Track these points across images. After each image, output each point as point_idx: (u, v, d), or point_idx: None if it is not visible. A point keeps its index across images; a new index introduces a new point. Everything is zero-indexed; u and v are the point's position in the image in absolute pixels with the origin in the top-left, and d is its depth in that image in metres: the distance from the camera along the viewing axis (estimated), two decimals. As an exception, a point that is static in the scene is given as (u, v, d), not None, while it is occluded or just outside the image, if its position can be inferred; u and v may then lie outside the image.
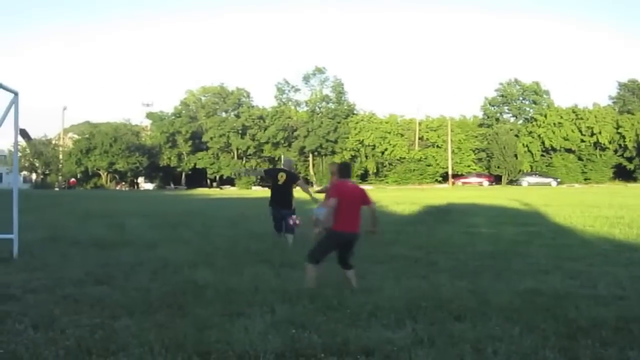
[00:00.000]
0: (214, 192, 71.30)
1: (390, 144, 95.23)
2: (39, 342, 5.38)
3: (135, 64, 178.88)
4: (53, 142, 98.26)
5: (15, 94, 9.87)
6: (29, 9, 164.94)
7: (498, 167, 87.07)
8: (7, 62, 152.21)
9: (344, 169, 8.69)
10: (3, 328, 5.77)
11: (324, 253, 8.01)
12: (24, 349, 5.13)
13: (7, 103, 10.02)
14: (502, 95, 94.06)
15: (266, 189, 14.62)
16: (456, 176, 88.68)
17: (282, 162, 13.97)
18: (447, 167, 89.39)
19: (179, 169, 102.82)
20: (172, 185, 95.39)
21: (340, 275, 8.09)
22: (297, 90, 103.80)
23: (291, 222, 12.20)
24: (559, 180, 79.07)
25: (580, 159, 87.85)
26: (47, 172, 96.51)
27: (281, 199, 12.64)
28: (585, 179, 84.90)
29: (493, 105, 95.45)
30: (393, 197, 38.68)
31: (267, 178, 12.95)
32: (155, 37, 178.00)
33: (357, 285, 7.90)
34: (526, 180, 77.83)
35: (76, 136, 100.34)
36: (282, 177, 12.74)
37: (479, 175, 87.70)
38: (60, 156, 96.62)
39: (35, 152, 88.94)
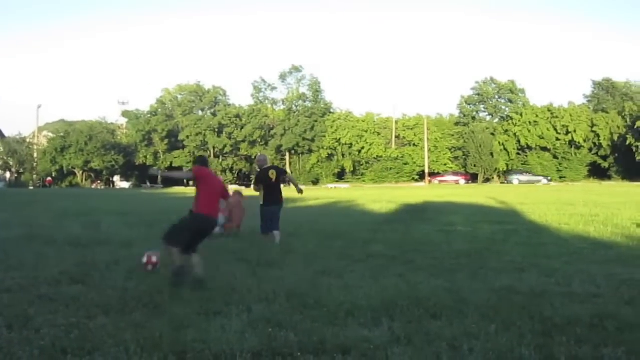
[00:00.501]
0: (191, 190, 70.64)
1: (367, 143, 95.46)
2: (14, 341, 5.35)
3: (112, 62, 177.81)
4: (27, 140, 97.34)
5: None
6: (3, 5, 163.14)
7: (474, 166, 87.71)
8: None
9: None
10: (-23, 328, 5.70)
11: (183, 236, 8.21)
12: (-2, 349, 5.07)
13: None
14: (479, 94, 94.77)
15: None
16: (433, 174, 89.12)
17: (258, 159, 13.69)
18: (423, 166, 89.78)
19: (155, 168, 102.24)
20: (148, 184, 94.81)
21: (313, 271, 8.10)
22: (273, 88, 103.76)
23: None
24: (549, 178, 79.75)
25: (555, 157, 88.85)
26: (21, 170, 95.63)
27: (276, 196, 12.56)
28: (561, 177, 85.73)
29: (469, 104, 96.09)
30: (370, 196, 38.86)
31: (259, 181, 12.45)
32: (131, 35, 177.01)
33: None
34: (517, 179, 78.13)
35: (51, 134, 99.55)
36: (273, 175, 12.57)
37: (455, 173, 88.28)
38: (35, 155, 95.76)
39: (10, 150, 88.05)
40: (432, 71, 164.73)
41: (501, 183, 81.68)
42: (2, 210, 11.66)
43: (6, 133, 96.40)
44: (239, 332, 5.67)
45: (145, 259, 8.57)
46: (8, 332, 5.63)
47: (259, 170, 13.09)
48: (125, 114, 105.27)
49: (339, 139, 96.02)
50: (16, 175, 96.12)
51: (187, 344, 5.30)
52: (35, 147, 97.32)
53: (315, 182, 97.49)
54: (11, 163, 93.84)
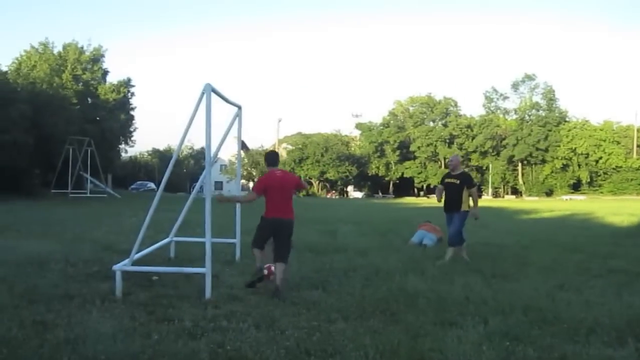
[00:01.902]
0: (422, 200, 71.31)
1: (605, 152, 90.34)
2: (261, 340, 5.67)
3: (345, 76, 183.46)
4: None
5: (239, 107, 10.49)
6: (245, 27, 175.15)
7: None
8: (231, 78, 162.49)
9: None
10: (229, 326, 6.15)
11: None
12: (249, 347, 5.43)
13: (231, 117, 10.68)
14: None
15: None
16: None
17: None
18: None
19: (386, 178, 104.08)
20: (380, 194, 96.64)
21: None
22: (505, 98, 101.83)
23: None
24: None
25: None
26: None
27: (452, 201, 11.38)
28: None
29: None
30: (609, 208, 36.66)
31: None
32: (363, 49, 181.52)
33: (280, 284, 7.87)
34: None
35: (290, 146, 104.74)
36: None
37: None
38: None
39: (253, 162, 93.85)
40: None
41: None
42: (247, 217, 12.39)
43: (250, 146, 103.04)
44: (475, 344, 5.59)
45: (266, 271, 8.29)
46: (256, 332, 6.00)
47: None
48: (358, 126, 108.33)
49: (575, 148, 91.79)
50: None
51: (424, 353, 5.33)
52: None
53: (549, 194, 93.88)
54: (254, 173, 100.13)
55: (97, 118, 52.27)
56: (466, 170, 13.67)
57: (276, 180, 8.41)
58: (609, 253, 12.67)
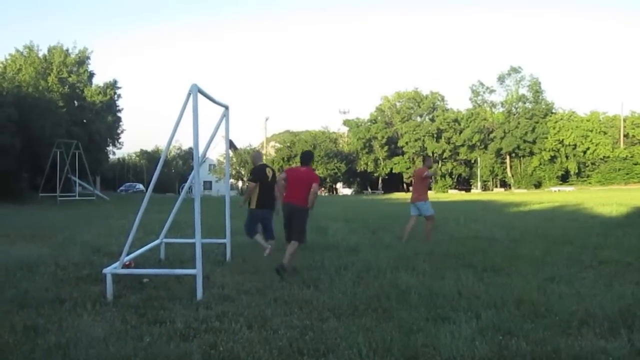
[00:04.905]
0: (410, 195, 71.25)
1: (592, 143, 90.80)
2: (254, 340, 5.66)
3: (332, 72, 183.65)
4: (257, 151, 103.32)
5: (226, 107, 10.47)
6: (233, 27, 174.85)
7: None
8: (218, 77, 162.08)
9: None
10: (221, 327, 6.14)
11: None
12: (241, 348, 5.42)
13: (218, 117, 10.65)
14: None
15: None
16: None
17: (253, 156, 12.94)
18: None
19: (375, 174, 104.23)
20: (369, 190, 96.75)
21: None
22: (492, 91, 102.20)
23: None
24: None
25: None
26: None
27: (269, 199, 11.86)
28: None
29: None
30: (598, 199, 36.85)
31: (255, 178, 11.82)
32: (349, 45, 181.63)
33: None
34: None
35: (278, 145, 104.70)
36: (270, 173, 11.87)
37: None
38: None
39: (241, 161, 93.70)
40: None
41: None
42: (237, 217, 12.40)
43: (238, 145, 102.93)
44: (468, 339, 5.61)
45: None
46: (249, 332, 5.98)
47: (254, 166, 12.25)
48: (346, 122, 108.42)
49: (562, 140, 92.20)
50: (247, 184, 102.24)
51: (417, 349, 5.33)
52: (264, 157, 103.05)
53: (538, 186, 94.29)
54: (243, 172, 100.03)
55: (84, 120, 51.98)
56: (454, 163, 14.05)
57: (298, 174, 9.95)
58: (599, 244, 12.72)
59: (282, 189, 10.24)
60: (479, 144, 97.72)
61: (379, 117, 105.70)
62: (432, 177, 14.37)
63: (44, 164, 38.49)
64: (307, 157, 10.24)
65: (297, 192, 9.68)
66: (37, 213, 25.80)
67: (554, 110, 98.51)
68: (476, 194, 75.88)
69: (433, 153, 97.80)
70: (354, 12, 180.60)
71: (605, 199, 35.10)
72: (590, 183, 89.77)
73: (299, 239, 9.67)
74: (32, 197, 36.72)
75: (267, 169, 12.01)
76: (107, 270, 7.85)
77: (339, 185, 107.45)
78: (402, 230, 14.15)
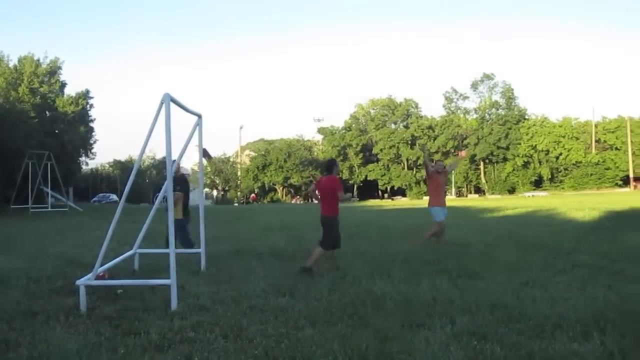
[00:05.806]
0: (386, 203, 71.60)
1: (565, 149, 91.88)
2: (230, 350, 5.63)
3: (306, 80, 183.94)
4: (231, 159, 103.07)
5: (199, 116, 10.43)
6: (204, 35, 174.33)
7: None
8: (191, 87, 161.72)
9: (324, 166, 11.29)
10: (196, 337, 6.10)
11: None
12: (216, 358, 5.41)
13: (192, 126, 10.61)
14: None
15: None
16: (638, 179, 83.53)
17: (178, 166, 12.52)
18: (627, 170, 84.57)
19: (350, 181, 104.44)
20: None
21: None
22: (465, 98, 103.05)
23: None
24: None
25: None
26: (226, 188, 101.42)
27: (187, 209, 12.24)
28: None
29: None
30: (571, 203, 37.25)
31: (179, 187, 11.79)
32: (323, 53, 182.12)
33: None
34: None
35: (253, 153, 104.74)
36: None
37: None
38: (239, 173, 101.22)
39: (216, 169, 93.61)
40: (631, 69, 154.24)
41: None
42: (211, 227, 12.35)
43: (212, 154, 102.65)
44: (443, 344, 5.63)
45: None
46: (224, 341, 5.95)
47: (179, 175, 12.18)
48: (320, 130, 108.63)
49: (535, 145, 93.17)
50: (222, 193, 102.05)
51: (392, 355, 5.34)
52: (238, 165, 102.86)
53: (511, 191, 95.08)
54: (217, 181, 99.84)
55: (57, 131, 51.62)
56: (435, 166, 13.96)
57: (320, 184, 10.83)
58: (572, 248, 12.84)
59: (315, 197, 11.19)
60: (453, 150, 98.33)
61: (354, 125, 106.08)
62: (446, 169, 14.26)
63: (16, 175, 38.05)
64: (327, 166, 11.17)
65: (322, 202, 10.71)
66: (9, 226, 25.45)
67: (526, 117, 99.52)
68: (451, 199, 76.11)
69: (407, 160, 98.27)
70: (328, 20, 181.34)
71: (578, 204, 35.50)
72: (563, 188, 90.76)
73: (324, 245, 10.67)
74: (4, 210, 36.31)
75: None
76: (81, 282, 7.76)
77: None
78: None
